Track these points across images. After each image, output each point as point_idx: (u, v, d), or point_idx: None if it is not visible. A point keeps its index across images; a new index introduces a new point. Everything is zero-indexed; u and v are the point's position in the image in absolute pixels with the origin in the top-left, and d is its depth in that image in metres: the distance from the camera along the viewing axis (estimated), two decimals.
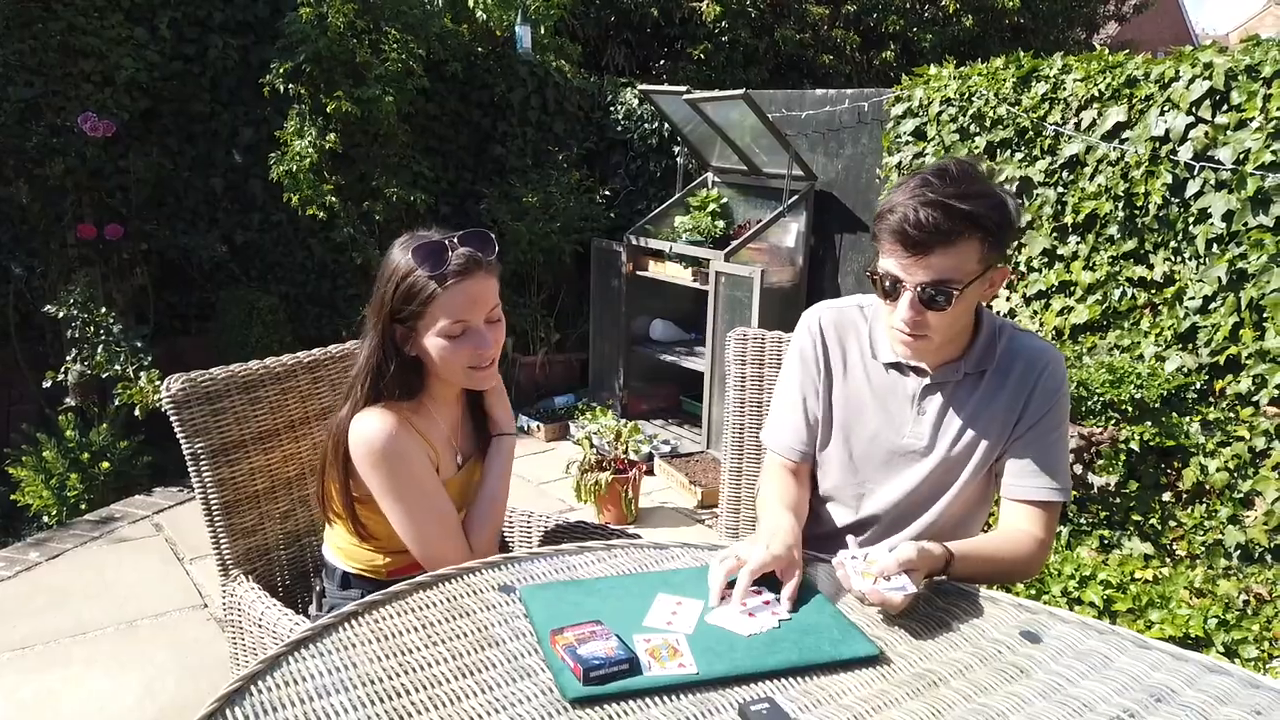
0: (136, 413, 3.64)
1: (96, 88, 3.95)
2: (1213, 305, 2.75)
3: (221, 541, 1.61)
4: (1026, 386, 1.45)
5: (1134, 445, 2.78)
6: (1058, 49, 5.38)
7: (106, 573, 3.03)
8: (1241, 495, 2.73)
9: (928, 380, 1.48)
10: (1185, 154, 2.74)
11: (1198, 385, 2.81)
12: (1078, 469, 2.80)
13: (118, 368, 3.69)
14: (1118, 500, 2.88)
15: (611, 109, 5.21)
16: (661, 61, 6.83)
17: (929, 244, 1.29)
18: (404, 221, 4.45)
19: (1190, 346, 2.83)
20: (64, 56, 3.88)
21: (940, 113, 3.48)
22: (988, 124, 3.33)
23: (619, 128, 5.18)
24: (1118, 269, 3.00)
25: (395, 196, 4.29)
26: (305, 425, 1.72)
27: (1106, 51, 3.10)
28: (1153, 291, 2.93)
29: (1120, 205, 2.95)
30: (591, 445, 3.60)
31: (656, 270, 4.46)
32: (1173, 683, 1.09)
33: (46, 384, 3.76)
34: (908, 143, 3.62)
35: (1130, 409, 2.80)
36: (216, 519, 1.60)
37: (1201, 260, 2.76)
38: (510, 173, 4.98)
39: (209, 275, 4.53)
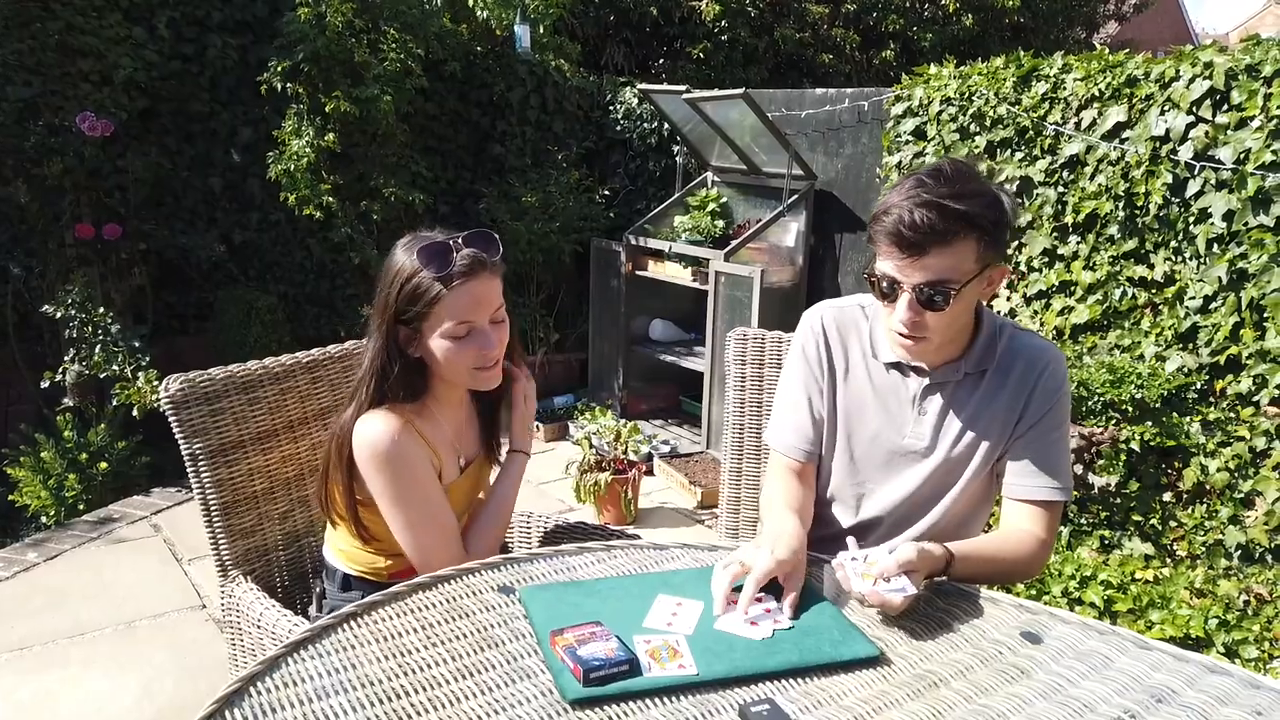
0: (135, 413, 3.63)
1: (95, 87, 3.95)
2: (1213, 305, 2.75)
3: (220, 542, 1.61)
4: (1027, 386, 1.44)
5: (1134, 445, 2.78)
6: (1058, 48, 5.39)
7: (105, 573, 3.03)
8: (1242, 495, 2.73)
9: (928, 380, 1.47)
10: (1186, 154, 2.74)
11: (1198, 385, 2.81)
12: (1078, 469, 2.80)
13: (116, 368, 3.68)
14: (1118, 500, 2.88)
15: (611, 108, 5.21)
16: (661, 61, 6.83)
17: (925, 245, 1.29)
18: (403, 221, 4.44)
19: (1191, 346, 2.83)
20: (62, 56, 3.87)
21: (940, 112, 3.48)
22: (988, 123, 3.33)
23: (618, 127, 5.17)
24: (1118, 269, 3.00)
25: (393, 196, 4.28)
26: (304, 426, 1.72)
27: (1107, 51, 3.10)
28: (1153, 291, 2.93)
29: (1121, 205, 2.95)
30: (591, 445, 3.59)
31: (656, 270, 4.46)
32: (1173, 683, 1.09)
33: (44, 384, 3.76)
34: (908, 142, 3.61)
35: (1131, 409, 2.79)
36: (215, 520, 1.60)
37: (1202, 260, 2.75)
38: (509, 172, 4.98)
39: (207, 275, 4.52)
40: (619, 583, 1.27)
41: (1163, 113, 2.79)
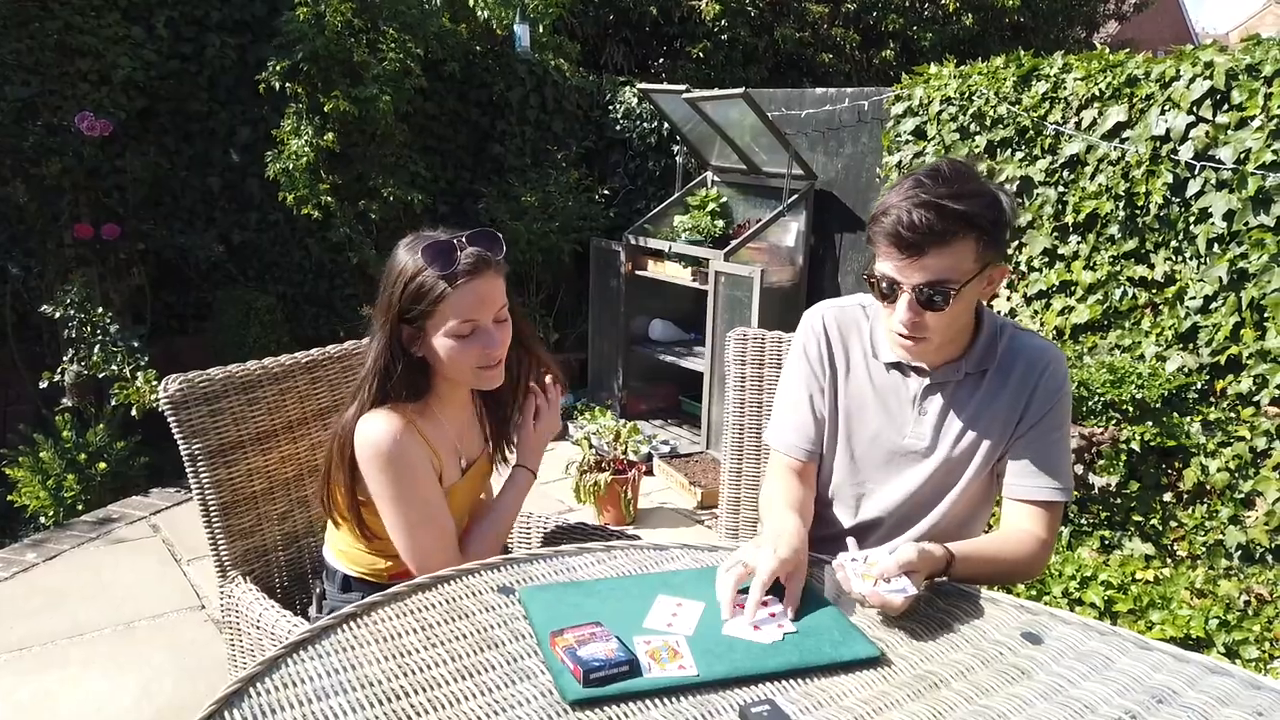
0: (134, 413, 3.63)
1: (93, 87, 3.94)
2: (1214, 305, 2.75)
3: (219, 543, 1.61)
4: (1028, 386, 1.44)
5: (1135, 445, 2.77)
6: (1058, 48, 5.40)
7: (104, 574, 3.02)
8: (1242, 495, 2.73)
9: (929, 380, 1.47)
10: (1186, 153, 2.74)
11: (1198, 385, 2.81)
12: (1078, 469, 2.79)
13: (114, 368, 3.68)
14: (1118, 501, 2.88)
15: (610, 108, 5.20)
16: (660, 60, 6.83)
17: (923, 245, 1.29)
18: (401, 221, 4.44)
19: (1191, 346, 2.83)
20: (61, 55, 3.87)
21: (940, 112, 3.47)
22: (988, 123, 3.32)
23: (618, 127, 5.17)
24: (1118, 269, 3.00)
25: (392, 196, 4.28)
26: (303, 426, 1.72)
27: (1107, 50, 3.10)
28: (1153, 291, 2.93)
29: (1121, 205, 2.95)
30: (590, 446, 3.59)
31: (656, 270, 4.45)
32: (1174, 684, 1.09)
33: (43, 384, 3.76)
34: (908, 142, 3.61)
35: (1131, 409, 2.79)
36: (214, 520, 1.60)
37: (1202, 260, 2.75)
38: (509, 172, 4.98)
39: (206, 275, 4.52)
40: (619, 583, 1.27)
41: (1163, 112, 2.79)
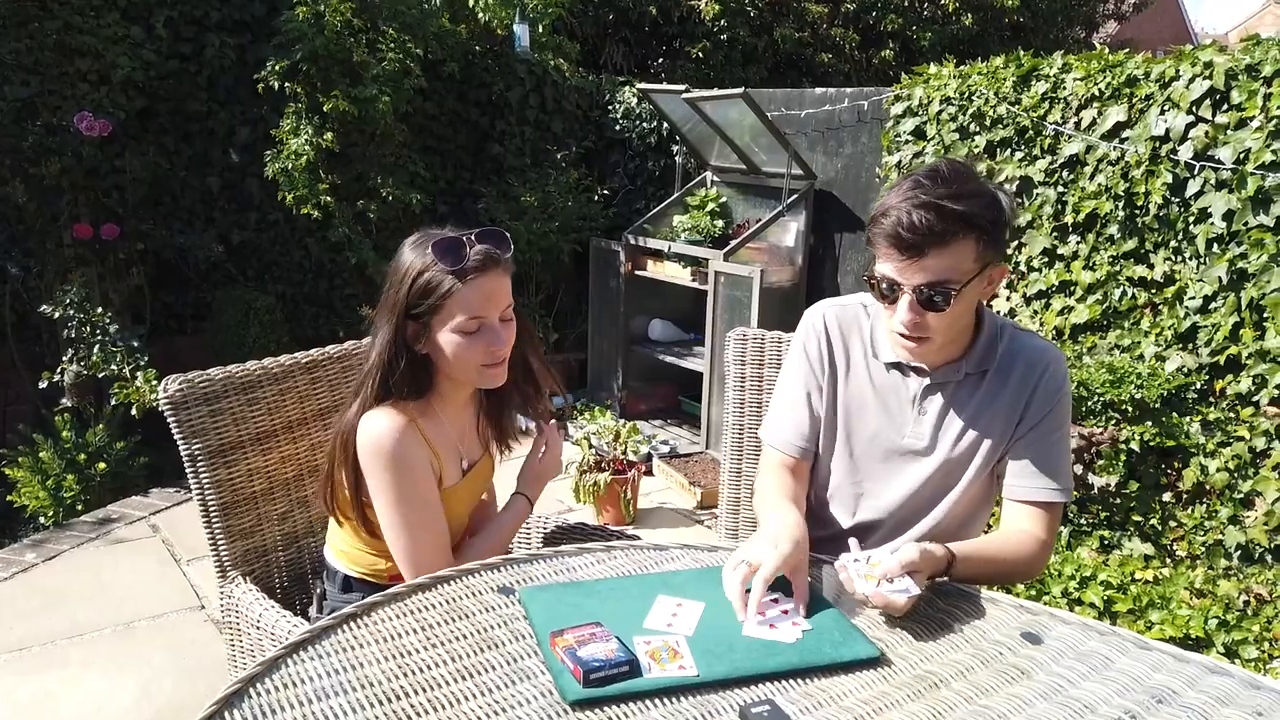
0: (134, 412, 3.63)
1: (93, 87, 3.94)
2: (1213, 305, 2.75)
3: (219, 543, 1.61)
4: (1028, 387, 1.44)
5: (1134, 445, 2.77)
6: (1057, 48, 5.40)
7: (103, 574, 3.02)
8: (1242, 495, 2.73)
9: (929, 380, 1.47)
10: (1185, 153, 2.74)
11: (1198, 385, 2.81)
12: (1078, 469, 2.79)
13: (114, 368, 3.68)
14: (1118, 501, 2.88)
15: (610, 108, 5.20)
16: (660, 60, 6.83)
17: (924, 246, 1.29)
18: (401, 221, 4.44)
19: (1190, 346, 2.83)
20: (60, 55, 3.87)
21: (940, 112, 3.48)
22: (987, 123, 3.32)
23: (617, 127, 5.17)
24: (1118, 269, 3.00)
25: (391, 196, 4.28)
26: (303, 426, 1.72)
27: (1106, 50, 3.10)
28: (1153, 291, 2.93)
29: (1120, 205, 2.95)
30: (590, 446, 3.59)
31: (655, 270, 4.45)
32: (1174, 684, 1.09)
33: (43, 384, 3.75)
34: (907, 142, 3.61)
35: (1130, 409, 2.79)
36: (214, 520, 1.60)
37: (1202, 260, 2.75)
38: (508, 172, 4.97)
39: (205, 275, 4.52)
40: (619, 583, 1.27)
41: (1163, 112, 2.79)
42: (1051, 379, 1.44)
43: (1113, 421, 2.82)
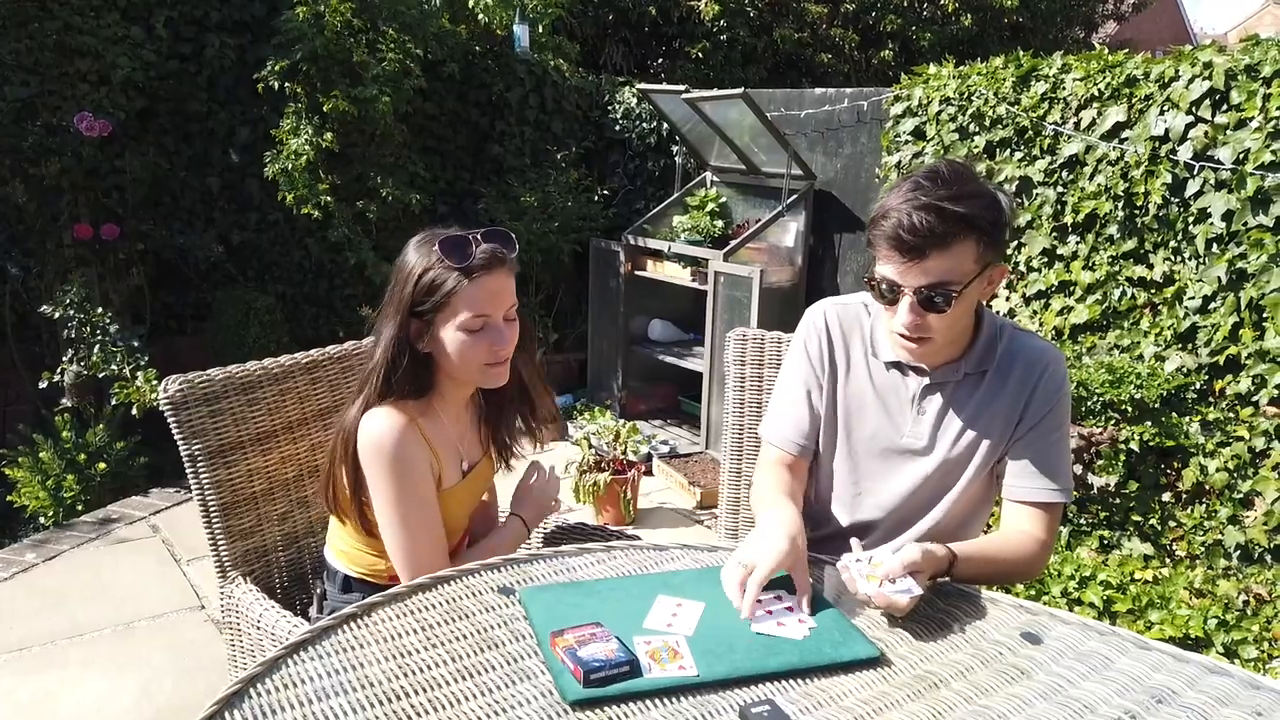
0: (134, 412, 3.63)
1: (93, 87, 3.94)
2: (1212, 305, 2.75)
3: (219, 543, 1.61)
4: (1027, 387, 1.44)
5: (1134, 445, 2.78)
6: (1056, 48, 5.40)
7: (103, 574, 3.02)
8: (1241, 495, 2.73)
9: (928, 380, 1.47)
10: (1185, 154, 2.74)
11: (1197, 385, 2.81)
12: (1077, 469, 2.80)
13: (114, 368, 3.68)
14: (1117, 501, 2.88)
15: (610, 108, 5.20)
16: (660, 60, 6.83)
17: (924, 248, 1.29)
18: (400, 222, 4.44)
19: (1190, 346, 2.83)
20: (60, 56, 3.86)
21: (939, 112, 3.48)
22: (987, 123, 3.33)
23: (617, 127, 5.17)
24: (1117, 269, 3.00)
25: (391, 196, 4.28)
26: (303, 426, 1.72)
27: (1106, 51, 3.10)
28: (1152, 291, 2.93)
29: (1120, 205, 2.95)
30: (590, 446, 3.59)
31: (655, 270, 4.45)
32: (1174, 684, 1.09)
33: (43, 384, 3.75)
34: (907, 142, 3.61)
35: (1130, 409, 2.80)
36: (214, 521, 1.60)
37: (1201, 260, 2.76)
38: (508, 172, 4.98)
39: (205, 275, 4.52)
40: (619, 583, 1.27)
41: (1162, 113, 2.79)
42: (1051, 379, 1.44)
43: (1112, 421, 2.82)
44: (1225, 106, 2.66)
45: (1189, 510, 2.85)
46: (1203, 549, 2.80)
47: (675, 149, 4.81)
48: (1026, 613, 1.25)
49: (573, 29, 6.15)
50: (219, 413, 1.58)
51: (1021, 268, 3.28)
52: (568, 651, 1.06)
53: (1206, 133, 2.68)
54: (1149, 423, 2.79)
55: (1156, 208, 2.83)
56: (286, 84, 4.04)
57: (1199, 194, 2.73)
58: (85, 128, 3.76)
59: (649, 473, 3.99)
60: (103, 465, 3.60)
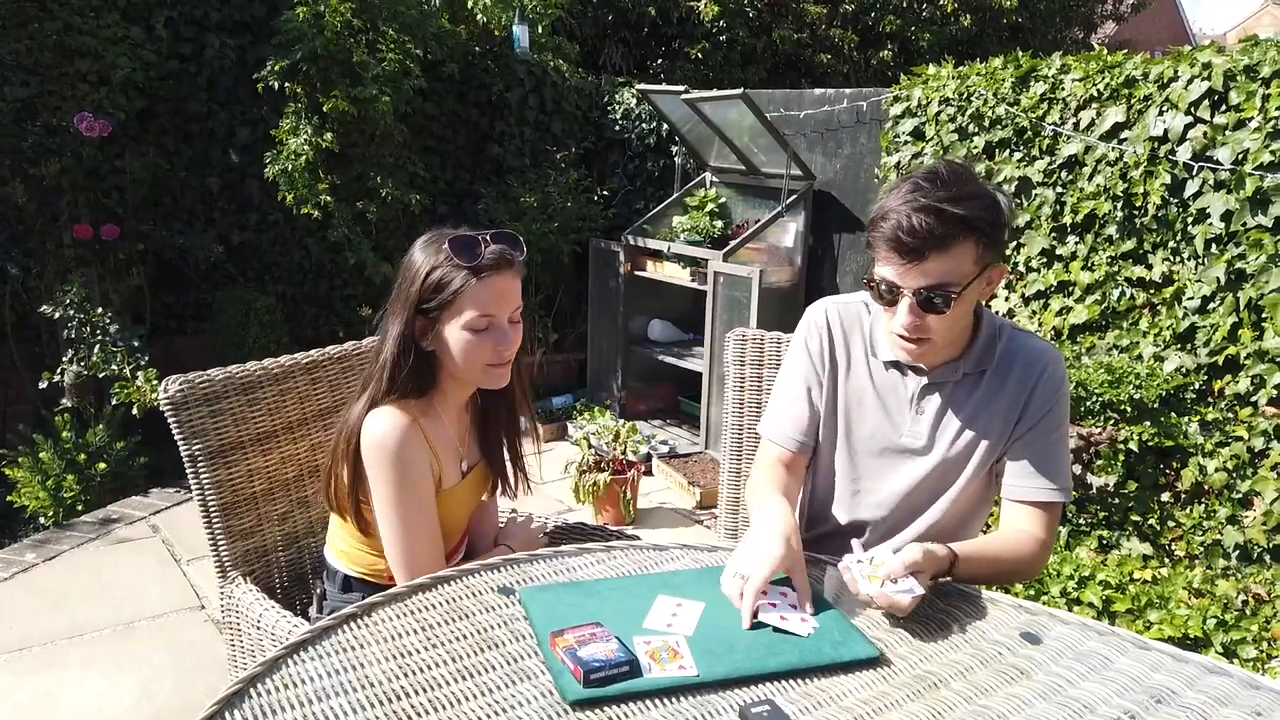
0: (135, 412, 3.63)
1: (92, 87, 3.94)
2: (1211, 305, 2.75)
3: (219, 543, 1.61)
4: (1026, 387, 1.45)
5: (1133, 445, 2.78)
6: (1056, 48, 5.39)
7: (103, 574, 3.02)
8: (1240, 495, 2.73)
9: (926, 380, 1.48)
10: (1184, 154, 2.74)
11: (1196, 385, 2.81)
12: (1076, 469, 2.80)
13: (114, 368, 3.68)
14: (1116, 501, 2.88)
15: (609, 108, 5.21)
16: (659, 61, 6.83)
17: (924, 249, 1.29)
18: (400, 222, 4.44)
19: (1189, 347, 2.83)
20: (60, 56, 3.87)
21: (939, 112, 3.48)
22: (986, 124, 3.33)
23: (617, 127, 5.18)
24: (1116, 269, 3.00)
25: (391, 197, 4.28)
26: (304, 427, 1.72)
27: (1105, 51, 3.10)
28: (1151, 291, 2.93)
29: (1119, 205, 2.95)
30: (590, 446, 3.59)
31: (654, 270, 4.46)
32: (1173, 684, 1.09)
33: (43, 385, 3.75)
34: (906, 142, 3.61)
35: (1129, 409, 2.80)
36: (214, 521, 1.60)
37: (1200, 260, 2.76)
38: (508, 172, 4.98)
39: (205, 275, 4.52)
40: (619, 583, 1.27)
41: (1161, 113, 2.80)
42: (1050, 379, 1.44)
43: (1111, 421, 2.83)
44: (1224, 107, 2.67)
45: (1188, 510, 2.85)
46: (1202, 549, 2.80)
47: (675, 149, 4.81)
48: (1026, 613, 1.25)
49: (572, 29, 6.15)
50: (219, 413, 1.59)
51: (1020, 268, 3.29)
52: (568, 651, 1.06)
53: (1205, 133, 2.69)
54: (1148, 423, 2.80)
55: (1155, 208, 2.83)
56: (286, 84, 4.04)
57: (1198, 194, 2.73)
58: (85, 128, 3.76)
59: (649, 473, 3.99)
60: (103, 465, 3.60)
